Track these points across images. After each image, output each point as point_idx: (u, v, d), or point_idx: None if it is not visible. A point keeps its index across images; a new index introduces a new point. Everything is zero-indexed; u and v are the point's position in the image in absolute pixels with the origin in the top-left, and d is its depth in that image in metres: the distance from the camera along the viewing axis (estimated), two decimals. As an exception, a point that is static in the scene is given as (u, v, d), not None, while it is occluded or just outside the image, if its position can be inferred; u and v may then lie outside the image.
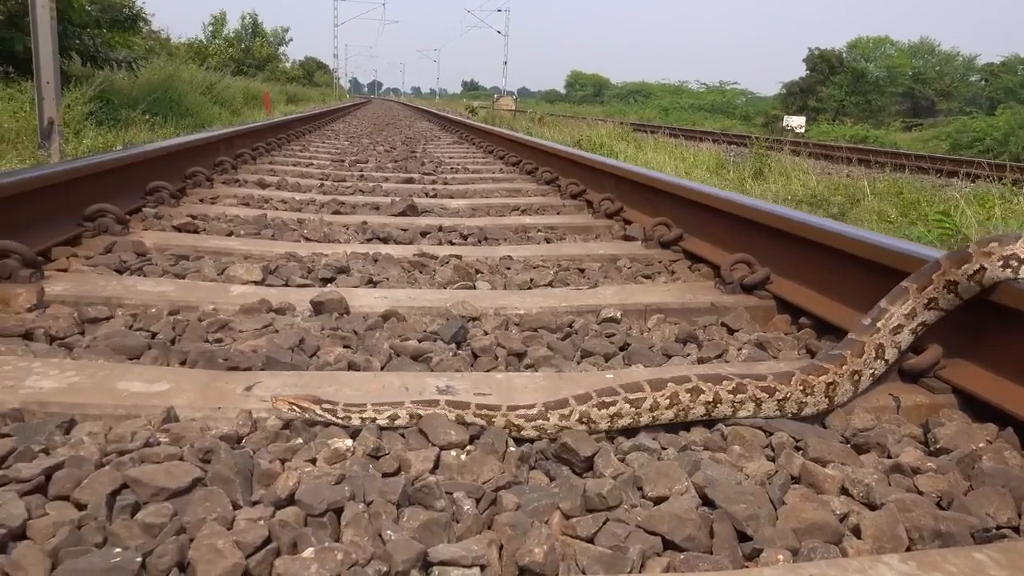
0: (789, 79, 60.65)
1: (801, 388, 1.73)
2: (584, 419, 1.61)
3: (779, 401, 1.71)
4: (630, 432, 1.67)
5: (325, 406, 1.60)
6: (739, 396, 1.69)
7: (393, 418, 1.61)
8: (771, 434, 1.66)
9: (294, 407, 1.59)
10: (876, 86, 57.71)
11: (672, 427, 1.70)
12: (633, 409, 1.63)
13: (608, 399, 1.63)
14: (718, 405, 1.68)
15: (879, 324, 1.84)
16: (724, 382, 1.69)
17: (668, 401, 1.65)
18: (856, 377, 1.79)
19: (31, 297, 2.29)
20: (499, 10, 58.91)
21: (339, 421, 1.60)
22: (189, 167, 5.03)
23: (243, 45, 51.15)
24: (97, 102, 12.72)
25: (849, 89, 56.63)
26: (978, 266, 1.81)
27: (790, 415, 1.74)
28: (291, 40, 57.10)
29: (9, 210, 2.75)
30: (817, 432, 1.69)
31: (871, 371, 1.82)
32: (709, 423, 1.72)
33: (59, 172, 3.19)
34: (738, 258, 2.83)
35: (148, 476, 1.33)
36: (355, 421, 1.60)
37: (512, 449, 1.54)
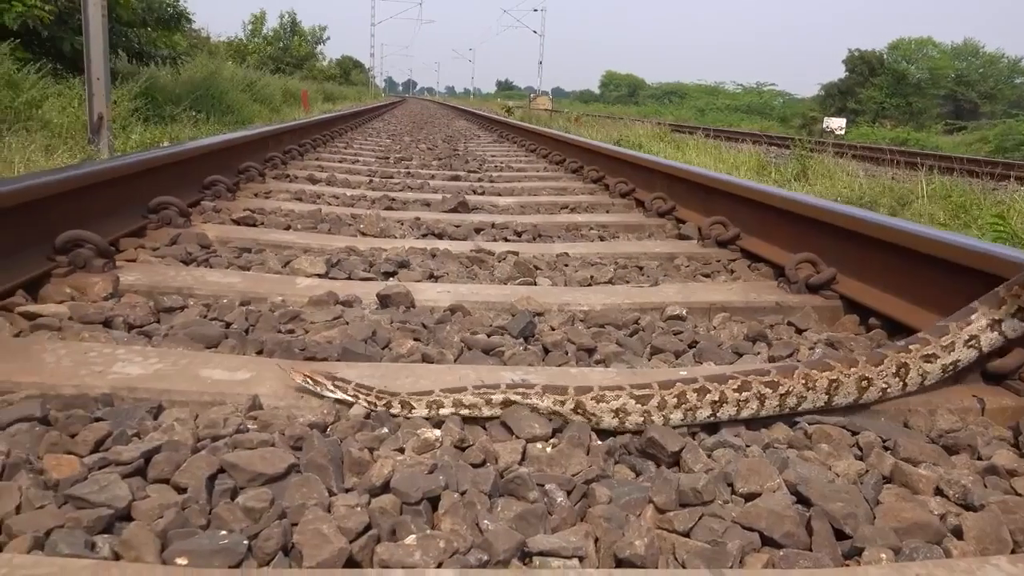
0: (827, 80, 59.97)
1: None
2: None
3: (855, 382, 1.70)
4: (710, 428, 1.66)
5: (337, 382, 1.64)
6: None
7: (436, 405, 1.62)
8: (857, 433, 1.63)
9: (308, 379, 1.64)
10: (917, 88, 56.80)
11: (752, 424, 1.68)
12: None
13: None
14: None
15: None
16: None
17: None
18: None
19: (107, 286, 2.34)
20: (535, 10, 58.88)
21: (348, 398, 1.64)
22: (242, 162, 5.09)
23: (281, 44, 51.72)
24: (142, 99, 12.92)
25: (889, 91, 55.79)
26: None
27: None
28: (328, 39, 57.64)
29: (82, 201, 2.81)
30: (904, 432, 1.67)
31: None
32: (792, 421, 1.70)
33: (125, 165, 3.25)
34: (803, 257, 2.80)
35: (245, 461, 1.35)
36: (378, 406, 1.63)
37: (599, 443, 1.54)
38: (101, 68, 9.40)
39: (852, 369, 1.70)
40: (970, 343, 1.79)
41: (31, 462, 1.35)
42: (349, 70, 75.30)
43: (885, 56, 58.25)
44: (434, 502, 1.31)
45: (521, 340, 2.23)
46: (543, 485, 1.36)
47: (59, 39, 13.17)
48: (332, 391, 1.64)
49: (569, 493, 1.36)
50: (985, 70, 63.62)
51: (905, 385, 1.74)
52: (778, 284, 2.86)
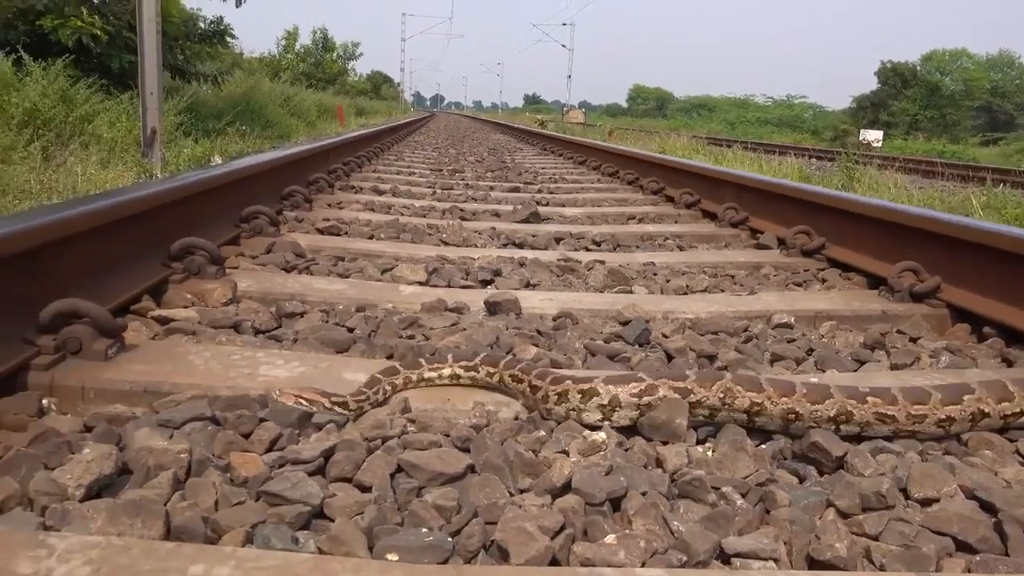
0: (859, 92, 59.52)
1: None
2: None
3: None
4: (859, 437, 1.65)
5: (333, 398, 1.56)
6: None
7: None
8: (1015, 440, 1.62)
9: (300, 400, 1.53)
10: (952, 100, 56.15)
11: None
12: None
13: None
14: None
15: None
16: None
17: None
18: None
19: (226, 292, 2.38)
20: (564, 24, 59.11)
21: (350, 413, 1.58)
22: (311, 174, 5.16)
23: (313, 60, 52.33)
24: (186, 114, 13.12)
25: (923, 103, 55.22)
26: None
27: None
28: (361, 55, 58.26)
29: (187, 210, 2.87)
30: (1061, 440, 1.64)
31: None
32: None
33: (218, 176, 3.31)
34: (905, 266, 2.78)
35: (424, 461, 1.36)
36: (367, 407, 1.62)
37: (763, 447, 1.53)
38: (155, 83, 9.58)
39: None
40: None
41: (212, 459, 1.38)
42: (379, 85, 75.97)
43: (918, 68, 57.72)
44: (616, 503, 1.32)
45: (637, 346, 2.24)
46: (718, 488, 1.37)
47: (108, 57, 13.42)
48: (330, 408, 1.56)
49: (744, 495, 1.36)
50: (1021, 81, 62.80)
51: None
52: (879, 293, 2.84)
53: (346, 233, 3.73)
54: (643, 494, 1.32)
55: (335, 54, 55.39)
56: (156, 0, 9.35)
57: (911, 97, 55.55)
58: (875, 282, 3.05)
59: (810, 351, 2.26)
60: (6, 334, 1.65)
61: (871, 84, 61.28)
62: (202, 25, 17.05)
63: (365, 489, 1.33)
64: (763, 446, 1.54)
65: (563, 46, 58.33)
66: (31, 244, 1.77)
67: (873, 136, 26.75)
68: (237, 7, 15.47)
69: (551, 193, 6.13)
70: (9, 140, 8.94)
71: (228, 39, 18.90)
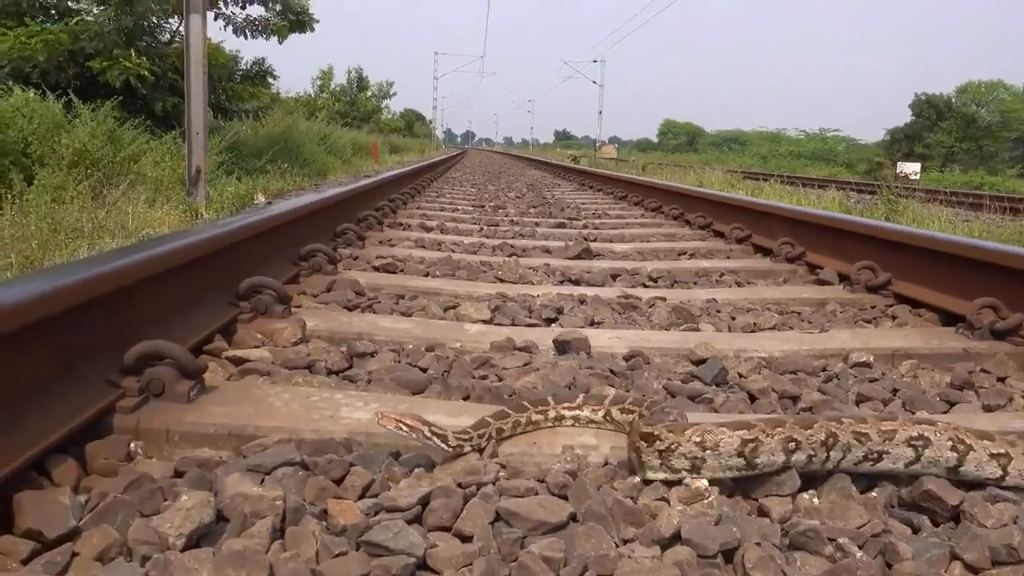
0: (893, 125, 59.09)
1: None
2: None
3: None
4: (970, 485, 1.57)
5: (434, 428, 1.54)
6: None
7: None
8: None
9: (401, 425, 1.52)
10: (988, 131, 55.52)
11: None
12: None
13: None
14: None
15: None
16: None
17: None
18: None
19: (296, 331, 2.36)
20: (595, 61, 59.55)
21: (449, 448, 1.54)
22: (360, 212, 5.18)
23: (348, 98, 53.23)
24: (227, 152, 13.36)
25: (959, 135, 54.67)
26: None
27: None
28: (395, 94, 59.19)
29: (249, 249, 2.87)
30: None
31: None
32: None
33: (278, 215, 3.32)
34: (984, 302, 2.70)
35: (524, 510, 1.32)
36: (467, 449, 1.56)
37: (873, 495, 1.47)
38: (200, 123, 9.77)
39: None
40: None
41: (306, 507, 1.34)
42: (412, 123, 76.99)
43: (953, 100, 57.20)
44: (727, 555, 1.26)
45: (714, 386, 2.18)
46: (834, 539, 1.30)
47: (153, 99, 13.75)
48: (429, 438, 1.53)
49: (861, 547, 1.30)
50: (1059, 112, 61.88)
51: None
52: (957, 330, 2.75)
53: (402, 271, 3.73)
54: (757, 545, 1.26)
55: (369, 93, 56.31)
56: (203, 43, 9.55)
57: (946, 129, 55.02)
58: (948, 319, 2.96)
59: (894, 391, 2.19)
60: (92, 377, 1.64)
61: (904, 116, 60.89)
62: (243, 68, 17.45)
63: (466, 539, 1.28)
64: (873, 493, 1.48)
65: (594, 82, 58.72)
66: (113, 287, 1.77)
67: (911, 168, 26.39)
68: (280, 43, 15.81)
69: (597, 229, 6.10)
70: (60, 180, 9.15)
71: (270, 79, 19.32)
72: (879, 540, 1.31)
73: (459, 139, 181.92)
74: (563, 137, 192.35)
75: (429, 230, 5.49)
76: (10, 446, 1.32)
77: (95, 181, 9.60)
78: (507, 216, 6.88)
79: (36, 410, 1.44)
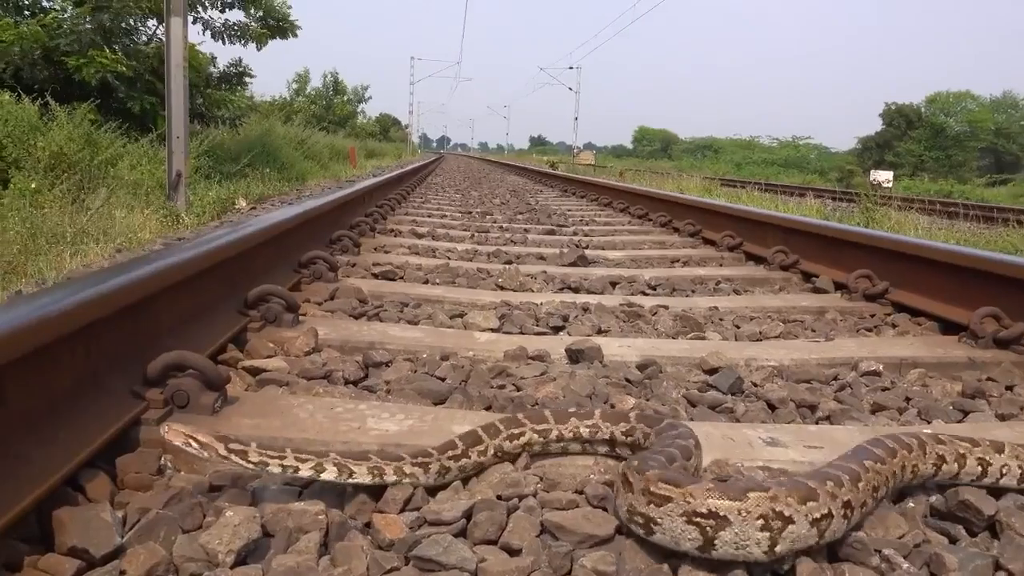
0: (864, 134, 59.96)
1: None
2: None
3: None
4: (996, 492, 1.59)
5: (232, 445, 1.36)
6: None
7: (319, 469, 1.38)
8: None
9: (190, 441, 1.36)
10: (957, 141, 56.51)
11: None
12: None
13: None
14: None
15: None
16: None
17: None
18: None
19: (309, 341, 2.34)
20: (571, 67, 59.80)
21: (250, 466, 1.37)
22: (352, 218, 5.15)
23: (324, 102, 52.94)
24: (205, 157, 13.23)
25: (928, 144, 55.58)
26: None
27: None
28: (370, 98, 58.93)
29: (253, 260, 2.84)
30: None
31: None
32: None
33: (282, 222, 3.29)
34: (987, 311, 2.73)
35: (571, 523, 1.31)
36: (273, 469, 1.38)
37: (911, 505, 1.48)
38: (181, 127, 9.64)
39: None
40: None
41: (348, 521, 1.33)
42: (388, 127, 76.78)
43: (923, 109, 58.18)
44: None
45: (731, 396, 2.19)
46: (879, 550, 1.31)
47: (130, 99, 13.57)
48: (226, 456, 1.36)
49: (906, 557, 1.30)
50: (1025, 122, 63.20)
51: None
52: (959, 339, 2.79)
53: (401, 278, 3.71)
54: (807, 556, 1.26)
55: (345, 97, 56.06)
56: (184, 46, 9.43)
57: (916, 138, 55.93)
58: (947, 327, 3.00)
59: (907, 399, 2.21)
60: (118, 388, 1.61)
61: (875, 125, 61.75)
62: (213, 70, 17.23)
63: (514, 552, 1.27)
64: (910, 504, 1.49)
65: (570, 89, 58.91)
66: (138, 296, 1.74)
67: (884, 176, 26.72)
68: (258, 50, 15.69)
69: (587, 236, 6.12)
70: (36, 183, 9.00)
71: (247, 79, 19.14)
72: (922, 551, 1.32)
73: (434, 144, 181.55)
74: (538, 143, 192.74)
75: (421, 236, 5.48)
76: (48, 461, 1.29)
77: (72, 185, 9.46)
78: (495, 222, 6.88)
79: (67, 424, 1.41)
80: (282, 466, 1.37)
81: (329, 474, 1.39)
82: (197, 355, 1.74)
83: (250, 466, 1.37)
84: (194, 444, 1.36)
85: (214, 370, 1.74)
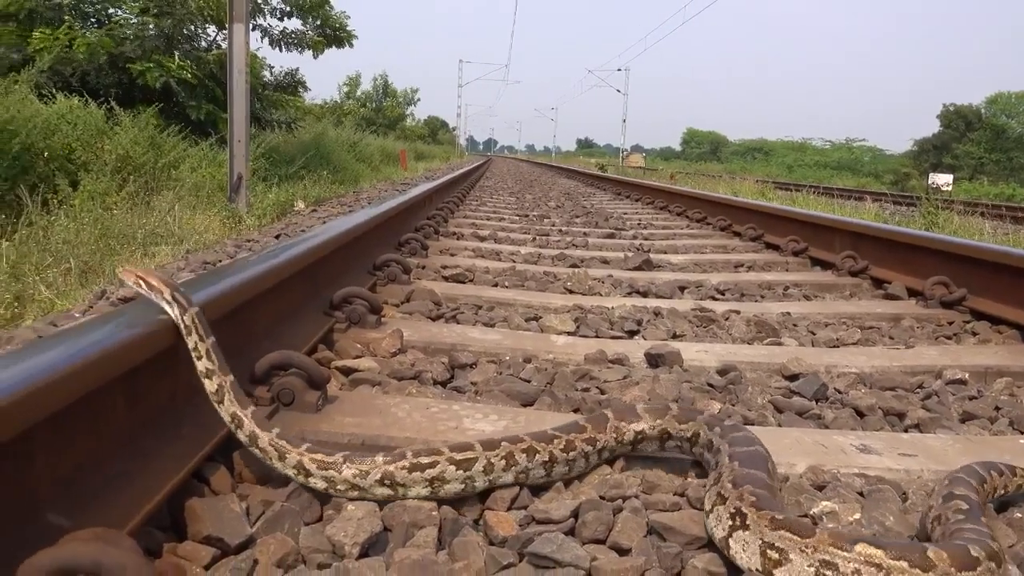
0: (921, 136, 58.60)
1: None
2: None
3: None
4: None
5: (177, 294, 1.43)
6: None
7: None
8: None
9: (140, 282, 1.45)
10: (1019, 143, 54.86)
11: None
12: None
13: None
14: None
15: None
16: None
17: None
18: None
19: (395, 342, 2.39)
20: (619, 69, 59.57)
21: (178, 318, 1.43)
22: (416, 221, 5.23)
23: (374, 105, 53.61)
24: (262, 159, 13.50)
25: (988, 146, 54.09)
26: None
27: None
28: (419, 100, 59.58)
29: (334, 262, 2.91)
30: None
31: None
32: None
33: (359, 225, 3.36)
34: (1075, 320, 2.68)
35: (679, 524, 1.34)
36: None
37: (1017, 515, 1.47)
38: (242, 131, 9.84)
39: None
40: None
41: (461, 517, 1.37)
42: (436, 130, 77.44)
43: (983, 110, 56.65)
44: (886, 573, 1.27)
45: (815, 402, 2.19)
46: (990, 559, 1.30)
47: (190, 107, 13.91)
48: (169, 300, 1.43)
49: (1019, 566, 1.30)
50: (1090, 124, 61.07)
51: None
52: (1045, 348, 2.74)
53: (471, 280, 3.76)
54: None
55: (395, 100, 56.68)
56: (245, 52, 9.63)
57: (976, 140, 54.46)
58: (1035, 335, 2.95)
59: (996, 408, 2.18)
60: (229, 386, 1.68)
61: (932, 127, 60.35)
62: (267, 75, 17.54)
63: (623, 552, 1.30)
64: (1016, 514, 1.48)
65: (618, 91, 58.73)
66: (249, 295, 1.81)
67: (943, 180, 26.11)
68: (315, 58, 15.97)
69: (647, 240, 6.11)
70: (104, 185, 9.28)
71: (301, 89, 19.48)
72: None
73: (481, 146, 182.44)
74: (585, 145, 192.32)
75: (483, 239, 5.53)
76: (178, 453, 1.35)
77: (138, 187, 9.73)
78: (553, 226, 6.91)
79: (190, 418, 1.48)
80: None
81: None
82: (301, 355, 1.81)
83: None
84: (143, 285, 1.45)
85: (317, 369, 1.79)
